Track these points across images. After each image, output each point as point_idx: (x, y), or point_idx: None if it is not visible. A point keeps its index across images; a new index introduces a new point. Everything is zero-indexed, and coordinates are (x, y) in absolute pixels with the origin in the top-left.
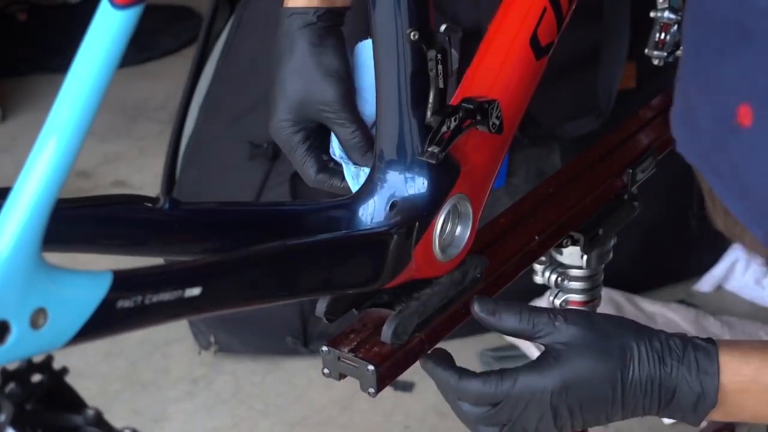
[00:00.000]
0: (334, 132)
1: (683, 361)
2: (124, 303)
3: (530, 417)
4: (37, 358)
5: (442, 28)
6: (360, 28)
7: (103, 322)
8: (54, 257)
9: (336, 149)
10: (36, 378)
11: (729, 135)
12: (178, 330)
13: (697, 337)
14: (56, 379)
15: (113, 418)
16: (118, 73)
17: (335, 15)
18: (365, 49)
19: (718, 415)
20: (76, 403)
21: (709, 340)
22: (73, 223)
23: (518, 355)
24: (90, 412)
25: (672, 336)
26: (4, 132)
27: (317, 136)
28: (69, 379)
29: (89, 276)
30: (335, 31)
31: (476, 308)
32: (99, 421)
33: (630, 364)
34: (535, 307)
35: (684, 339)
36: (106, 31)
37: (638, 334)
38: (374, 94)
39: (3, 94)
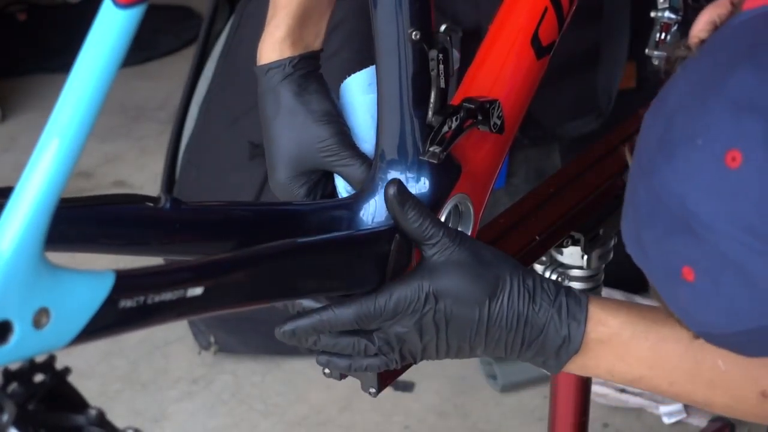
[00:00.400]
0: (340, 174)
1: (554, 304)
2: (127, 303)
3: (399, 330)
4: (40, 358)
5: (442, 28)
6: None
7: (106, 321)
8: (53, 257)
9: (344, 194)
10: (38, 378)
11: (676, 284)
12: (178, 330)
13: (571, 287)
14: (59, 379)
15: (113, 418)
16: (118, 73)
17: (310, 60)
18: (350, 87)
19: (575, 366)
20: (79, 403)
21: (582, 292)
22: (74, 222)
23: None
24: (92, 412)
25: (547, 280)
26: (4, 132)
27: (323, 187)
28: (69, 379)
29: (92, 276)
30: (315, 76)
31: (391, 192)
32: (101, 420)
33: (500, 294)
34: (437, 220)
35: (558, 284)
36: (109, 31)
37: (514, 269)
38: (368, 132)
39: (3, 94)
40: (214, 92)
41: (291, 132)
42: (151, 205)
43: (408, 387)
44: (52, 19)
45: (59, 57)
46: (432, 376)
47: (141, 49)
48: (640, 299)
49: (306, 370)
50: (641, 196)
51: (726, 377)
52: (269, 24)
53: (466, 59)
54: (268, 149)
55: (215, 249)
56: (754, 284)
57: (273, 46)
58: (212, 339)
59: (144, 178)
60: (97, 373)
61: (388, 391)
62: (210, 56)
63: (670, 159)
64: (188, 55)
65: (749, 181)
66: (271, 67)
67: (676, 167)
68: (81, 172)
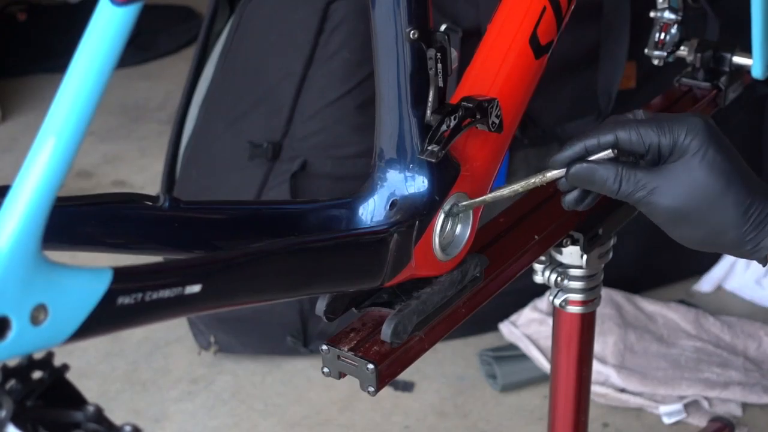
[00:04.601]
0: None
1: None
2: (125, 300)
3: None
4: (38, 355)
5: (442, 27)
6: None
7: (104, 318)
8: (52, 255)
9: None
10: (37, 375)
11: None
12: (178, 330)
13: None
14: (57, 375)
15: (113, 418)
16: (118, 73)
17: None
18: None
19: None
20: (77, 400)
21: None
22: (73, 221)
23: (518, 355)
24: (90, 409)
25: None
26: (4, 132)
27: None
28: (69, 378)
29: (89, 272)
30: None
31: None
32: (99, 417)
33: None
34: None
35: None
36: (106, 29)
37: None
38: None
39: (3, 94)
40: (214, 92)
41: None
42: (150, 204)
43: (408, 387)
44: (52, 19)
45: (59, 57)
46: (432, 376)
47: (141, 49)
48: (640, 299)
49: (306, 370)
50: None
51: None
52: None
53: (466, 59)
54: None
55: (214, 248)
56: None
57: None
58: (212, 339)
59: (144, 178)
60: (97, 373)
61: (388, 391)
62: (210, 56)
63: None
64: (188, 55)
65: None
66: None
67: None
68: (81, 172)
